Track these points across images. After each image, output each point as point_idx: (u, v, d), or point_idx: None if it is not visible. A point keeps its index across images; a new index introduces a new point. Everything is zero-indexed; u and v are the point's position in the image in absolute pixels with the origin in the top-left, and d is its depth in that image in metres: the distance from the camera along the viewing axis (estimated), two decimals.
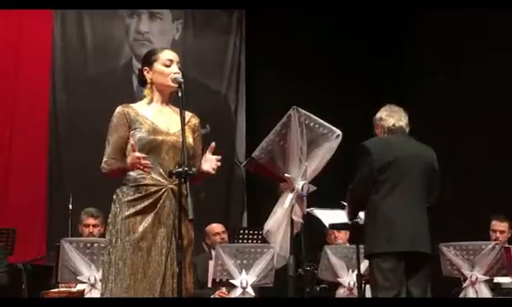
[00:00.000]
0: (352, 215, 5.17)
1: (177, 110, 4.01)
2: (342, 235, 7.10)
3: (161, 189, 3.91)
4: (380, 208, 4.86)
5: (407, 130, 5.12)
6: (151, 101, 4.08)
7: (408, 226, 4.86)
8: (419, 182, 4.96)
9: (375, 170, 4.88)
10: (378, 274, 4.81)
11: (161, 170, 3.91)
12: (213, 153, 3.98)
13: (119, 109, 4.04)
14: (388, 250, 4.81)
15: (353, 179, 5.01)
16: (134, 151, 3.83)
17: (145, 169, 3.83)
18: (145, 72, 4.09)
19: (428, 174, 5.02)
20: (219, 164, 3.94)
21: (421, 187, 4.97)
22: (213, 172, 3.93)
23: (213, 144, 3.98)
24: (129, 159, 3.87)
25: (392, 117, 5.11)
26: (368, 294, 6.36)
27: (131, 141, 3.92)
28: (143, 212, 3.89)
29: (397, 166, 4.90)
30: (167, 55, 4.10)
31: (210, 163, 3.94)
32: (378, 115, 5.17)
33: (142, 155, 3.82)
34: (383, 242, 4.82)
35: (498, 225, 6.96)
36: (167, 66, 4.05)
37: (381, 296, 4.80)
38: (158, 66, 4.06)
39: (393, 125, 5.08)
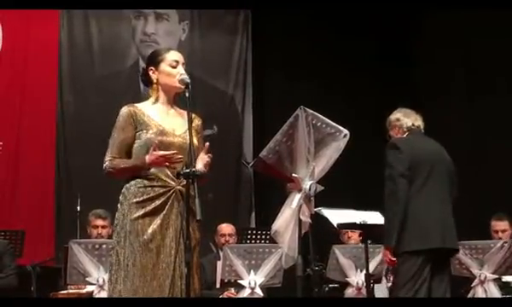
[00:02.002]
0: (401, 215, 4.88)
1: (182, 111, 4.01)
2: (356, 236, 7.08)
3: (169, 191, 3.91)
4: (410, 205, 4.85)
5: (423, 130, 5.18)
6: (156, 101, 4.08)
7: (438, 223, 4.89)
8: (445, 180, 5.02)
9: (406, 167, 4.89)
10: (408, 272, 4.81)
11: (169, 171, 3.91)
12: (214, 154, 3.97)
13: (125, 109, 4.03)
14: (421, 247, 4.82)
15: (388, 178, 4.92)
16: (155, 150, 3.83)
17: (172, 162, 3.83)
18: (150, 73, 4.08)
19: (449, 172, 5.08)
20: (209, 160, 3.90)
21: (446, 184, 5.02)
22: (205, 170, 3.89)
23: (207, 144, 3.97)
24: (150, 158, 3.86)
25: (408, 117, 5.16)
26: (377, 294, 6.36)
27: (138, 142, 3.93)
28: (152, 214, 3.89)
29: (425, 164, 4.95)
30: (173, 55, 4.09)
31: (202, 161, 3.91)
32: (393, 117, 5.20)
33: (169, 152, 3.82)
34: (415, 240, 4.82)
35: (499, 225, 6.92)
36: (173, 67, 4.05)
37: (408, 295, 4.78)
38: (164, 66, 4.05)
39: (412, 125, 5.14)
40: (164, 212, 3.89)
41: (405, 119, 5.15)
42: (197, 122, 4.13)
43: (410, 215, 4.84)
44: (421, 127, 5.17)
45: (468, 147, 8.30)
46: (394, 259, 4.89)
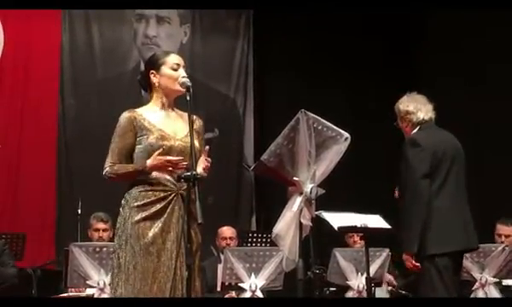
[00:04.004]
0: (424, 218, 4.75)
1: (183, 113, 4.01)
2: (362, 241, 7.06)
3: (170, 194, 3.92)
4: (431, 207, 4.73)
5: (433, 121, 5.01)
6: (156, 105, 4.07)
7: (461, 223, 4.82)
8: (462, 175, 4.92)
9: (428, 167, 4.76)
10: (436, 275, 4.72)
11: (169, 175, 3.92)
12: (215, 156, 3.97)
13: (125, 114, 4.03)
14: (446, 250, 4.73)
15: (409, 179, 4.81)
16: (159, 156, 3.83)
17: (177, 168, 3.84)
18: (151, 76, 4.08)
19: (464, 165, 4.97)
20: (208, 164, 3.90)
21: (463, 179, 4.92)
22: (205, 174, 3.88)
23: (207, 148, 3.97)
24: (152, 162, 3.86)
25: (420, 110, 4.98)
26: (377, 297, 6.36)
27: (139, 147, 3.93)
28: (153, 218, 3.90)
29: (445, 161, 4.82)
30: (174, 59, 4.09)
31: (201, 164, 3.91)
32: (403, 107, 5.05)
33: (175, 158, 3.83)
34: (440, 242, 4.71)
35: (504, 229, 6.89)
36: (175, 70, 4.04)
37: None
38: (165, 69, 4.05)
39: (423, 119, 4.97)
40: (165, 216, 3.90)
41: (417, 113, 4.97)
42: (198, 123, 4.13)
43: (432, 216, 4.72)
44: (433, 118, 5.01)
45: (470, 147, 8.28)
46: (418, 264, 4.76)
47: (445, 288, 4.72)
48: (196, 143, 3.97)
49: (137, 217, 3.90)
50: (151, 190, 3.92)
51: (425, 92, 5.11)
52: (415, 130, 5.00)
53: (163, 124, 4.01)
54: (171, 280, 3.86)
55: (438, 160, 4.80)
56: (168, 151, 3.92)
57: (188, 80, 3.99)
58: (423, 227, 4.71)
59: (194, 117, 4.08)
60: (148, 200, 3.91)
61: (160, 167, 3.87)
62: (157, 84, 4.07)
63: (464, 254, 5.12)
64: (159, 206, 3.90)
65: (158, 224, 3.89)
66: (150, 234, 3.88)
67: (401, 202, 4.97)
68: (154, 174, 3.91)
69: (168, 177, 3.91)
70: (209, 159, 3.91)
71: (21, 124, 8.19)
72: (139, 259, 3.85)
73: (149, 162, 3.87)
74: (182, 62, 4.09)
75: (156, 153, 3.84)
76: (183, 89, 3.98)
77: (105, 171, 4.00)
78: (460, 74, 8.57)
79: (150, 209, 3.90)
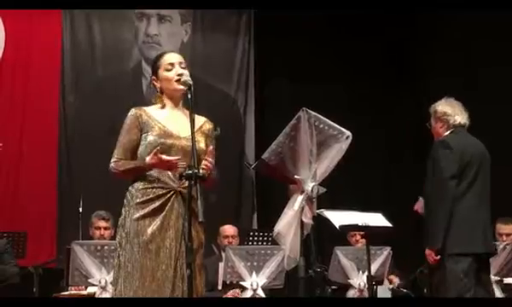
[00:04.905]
0: (448, 217, 4.88)
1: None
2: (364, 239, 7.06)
3: (170, 192, 3.91)
4: (456, 207, 4.85)
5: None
6: (164, 106, 4.08)
7: (482, 226, 4.91)
8: (487, 181, 5.04)
9: (456, 168, 4.88)
10: (455, 275, 4.81)
11: (170, 173, 3.92)
12: (217, 155, 3.97)
13: (132, 112, 4.04)
14: (466, 251, 4.82)
15: (437, 180, 4.92)
16: (156, 155, 3.83)
17: (176, 168, 3.84)
18: (154, 82, 4.10)
19: (489, 172, 5.09)
20: (208, 164, 3.87)
21: (488, 185, 5.04)
22: (206, 173, 3.83)
23: (211, 147, 3.96)
24: (150, 160, 3.86)
25: (458, 114, 5.12)
26: (379, 296, 6.36)
27: (142, 144, 3.94)
28: (152, 215, 3.89)
29: (472, 166, 4.95)
30: (168, 58, 4.08)
31: (202, 164, 3.88)
32: (441, 109, 5.16)
33: (173, 158, 3.83)
34: (462, 243, 4.81)
35: (504, 228, 6.90)
36: (169, 70, 4.04)
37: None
38: (161, 72, 4.06)
39: (459, 123, 5.11)
40: (164, 213, 3.90)
41: (455, 116, 5.10)
42: (208, 126, 4.14)
43: (456, 217, 4.83)
44: (467, 125, 5.14)
45: None
46: (438, 258, 4.87)
47: (462, 288, 4.78)
48: (202, 145, 3.97)
49: (137, 215, 3.90)
50: (151, 188, 3.92)
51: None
52: (447, 133, 5.10)
53: (167, 122, 4.01)
54: (171, 278, 3.85)
55: (466, 163, 4.92)
56: (168, 149, 3.91)
57: (189, 79, 3.98)
58: (447, 226, 4.80)
59: (205, 120, 4.13)
60: (148, 198, 3.91)
61: (158, 165, 3.87)
62: (159, 89, 4.08)
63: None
64: (158, 204, 3.90)
65: (156, 222, 3.89)
66: (149, 231, 3.87)
67: (426, 212, 5.07)
68: (154, 171, 3.91)
69: (169, 174, 3.91)
70: (210, 160, 3.89)
71: (22, 123, 8.19)
72: (138, 257, 3.85)
73: (148, 159, 3.88)
74: (177, 60, 4.07)
75: (154, 150, 3.85)
76: (181, 87, 3.98)
77: (110, 166, 4.02)
78: (459, 74, 8.57)
79: (149, 206, 3.90)
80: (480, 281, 4.94)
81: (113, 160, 4.00)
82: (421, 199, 5.23)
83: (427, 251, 4.95)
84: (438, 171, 4.91)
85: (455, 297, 4.76)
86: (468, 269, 4.82)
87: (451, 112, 5.12)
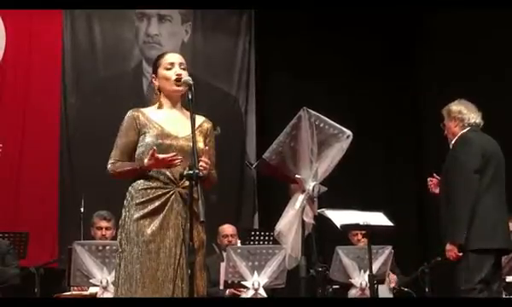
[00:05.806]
0: (471, 212, 4.92)
1: (188, 113, 4.01)
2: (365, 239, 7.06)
3: (169, 192, 3.92)
4: (479, 203, 4.88)
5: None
6: (162, 106, 4.08)
7: (502, 223, 4.97)
8: (504, 180, 5.09)
9: (478, 164, 4.92)
10: (474, 270, 4.85)
11: (169, 173, 3.92)
12: (217, 155, 3.97)
13: (129, 113, 4.06)
14: (488, 246, 4.86)
15: (459, 174, 4.95)
16: (153, 156, 3.82)
17: (175, 162, 3.83)
18: (153, 80, 4.12)
19: (504, 171, 5.14)
20: (204, 164, 3.86)
21: (504, 184, 5.09)
22: (201, 174, 3.82)
23: (206, 148, 3.97)
24: (148, 163, 3.86)
25: (472, 113, 5.18)
26: (380, 295, 6.36)
27: (140, 145, 3.94)
28: (151, 215, 3.90)
29: (492, 163, 5.01)
30: (168, 58, 4.10)
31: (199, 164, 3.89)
32: (456, 108, 5.21)
33: (168, 155, 3.82)
34: (483, 239, 4.86)
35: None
36: (169, 70, 4.05)
37: (471, 294, 4.80)
38: (161, 71, 4.08)
39: (474, 122, 5.17)
40: (163, 213, 3.90)
41: (469, 114, 5.15)
42: (206, 125, 4.15)
43: (479, 213, 4.88)
44: (481, 124, 5.20)
45: None
46: (461, 254, 4.90)
47: (480, 283, 4.83)
48: (201, 145, 3.98)
49: (137, 215, 3.91)
50: (150, 188, 3.93)
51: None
52: (464, 131, 5.15)
53: (165, 122, 4.02)
54: (171, 277, 3.86)
55: (486, 160, 4.98)
56: (167, 149, 3.92)
57: (189, 78, 4.00)
58: (470, 221, 4.84)
59: (204, 119, 4.14)
60: (147, 198, 3.92)
61: (156, 166, 3.87)
62: (157, 87, 4.09)
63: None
64: (157, 204, 3.91)
65: (156, 222, 3.90)
66: (149, 231, 3.88)
67: (442, 197, 5.12)
68: (154, 172, 3.91)
69: (169, 174, 3.91)
70: (205, 159, 3.88)
71: (23, 124, 8.19)
72: (138, 257, 3.86)
73: (145, 162, 3.89)
74: (178, 60, 4.09)
75: (150, 151, 3.85)
76: (180, 88, 3.99)
77: (107, 168, 4.03)
78: (460, 74, 8.56)
79: (149, 207, 3.91)
80: (495, 277, 4.96)
81: (110, 162, 4.03)
82: (435, 176, 5.27)
83: (449, 247, 4.98)
84: (459, 167, 4.94)
85: (468, 289, 4.78)
86: (487, 265, 4.87)
87: (466, 111, 5.18)
